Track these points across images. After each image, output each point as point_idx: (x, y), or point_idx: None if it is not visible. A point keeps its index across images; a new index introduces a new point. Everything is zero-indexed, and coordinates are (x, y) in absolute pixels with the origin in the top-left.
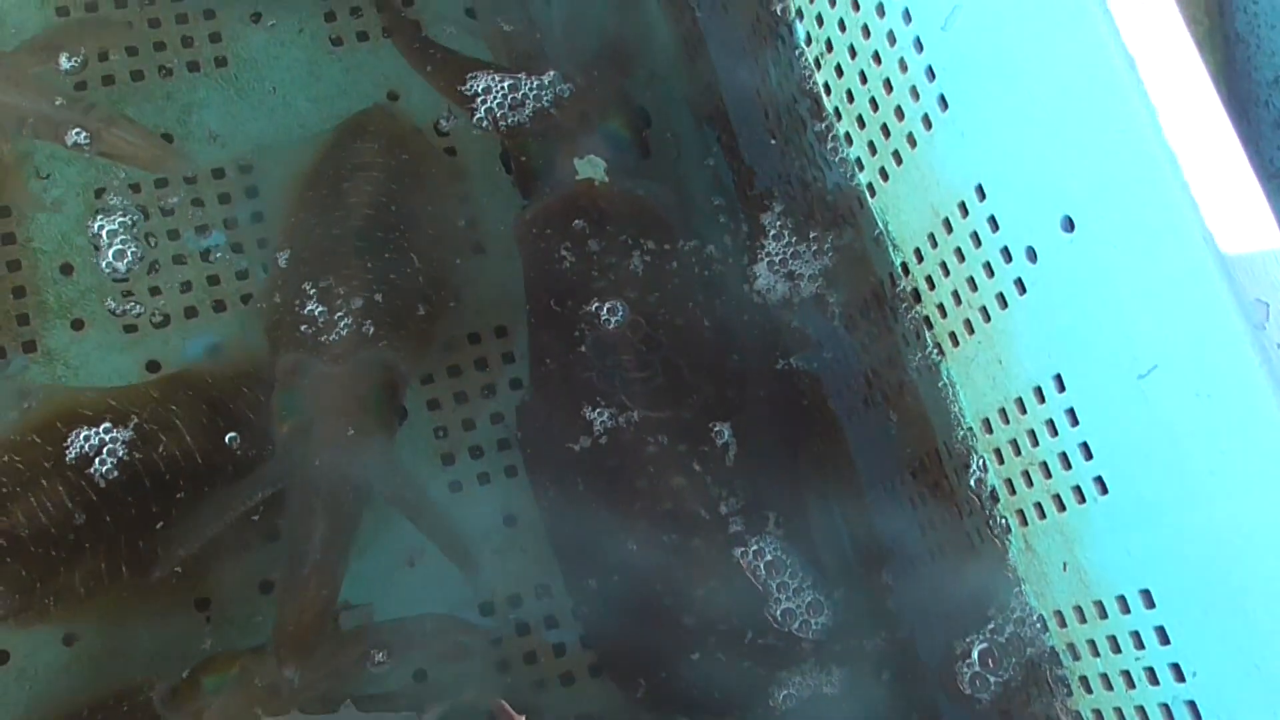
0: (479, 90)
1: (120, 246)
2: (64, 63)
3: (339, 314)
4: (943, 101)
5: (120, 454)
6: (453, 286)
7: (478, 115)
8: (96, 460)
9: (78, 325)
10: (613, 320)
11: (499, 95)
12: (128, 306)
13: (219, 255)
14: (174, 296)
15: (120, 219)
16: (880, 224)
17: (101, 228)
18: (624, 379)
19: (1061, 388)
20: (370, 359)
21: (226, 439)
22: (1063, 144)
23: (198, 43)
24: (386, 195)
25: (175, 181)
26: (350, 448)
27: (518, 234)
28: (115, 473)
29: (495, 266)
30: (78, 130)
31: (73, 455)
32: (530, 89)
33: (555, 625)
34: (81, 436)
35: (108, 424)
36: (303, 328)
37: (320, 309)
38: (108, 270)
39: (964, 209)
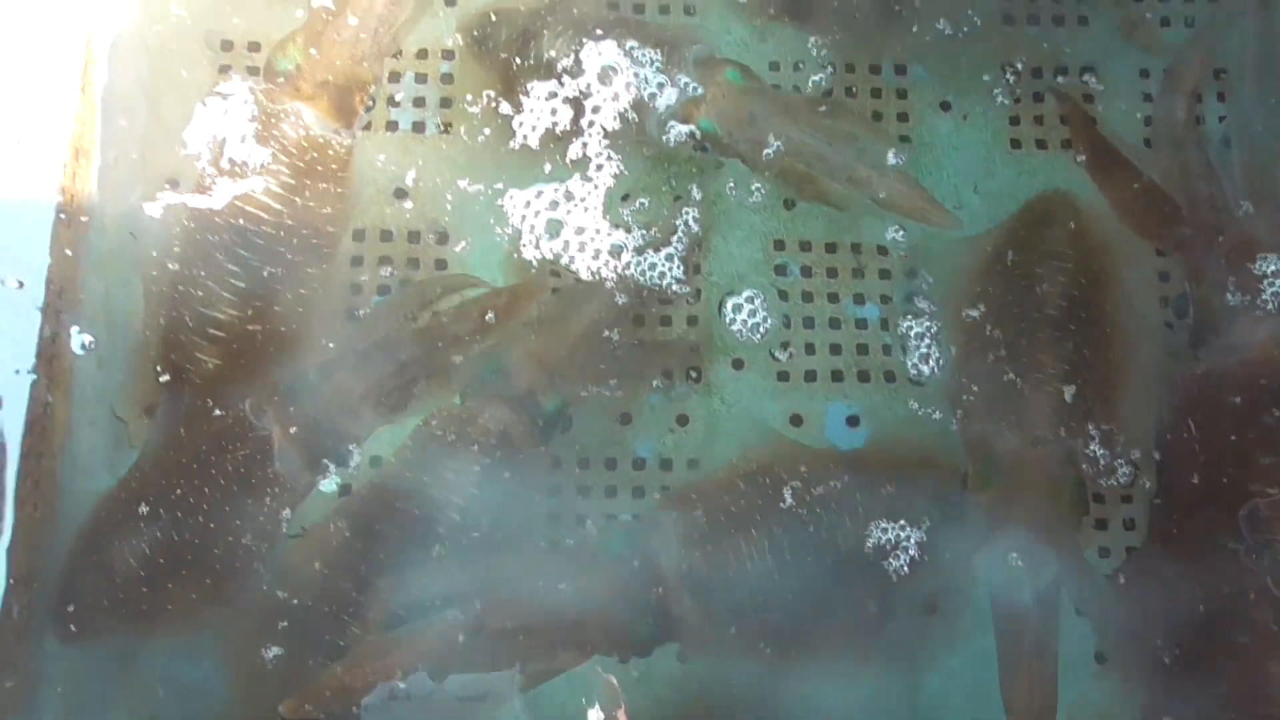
0: (1266, 272)
1: (780, 302)
2: None
3: (1036, 398)
4: None
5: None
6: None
7: (1262, 297)
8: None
9: (738, 365)
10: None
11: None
12: (783, 356)
13: (871, 327)
14: (824, 357)
15: (792, 273)
16: None
17: (772, 280)
18: (1274, 558)
19: None
20: (1065, 449)
21: None
22: None
23: (886, 118)
24: (1078, 288)
25: (843, 248)
26: (1046, 534)
27: (1182, 382)
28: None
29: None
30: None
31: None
32: None
33: None
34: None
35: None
36: (998, 403)
37: (1019, 389)
38: (773, 320)
39: None
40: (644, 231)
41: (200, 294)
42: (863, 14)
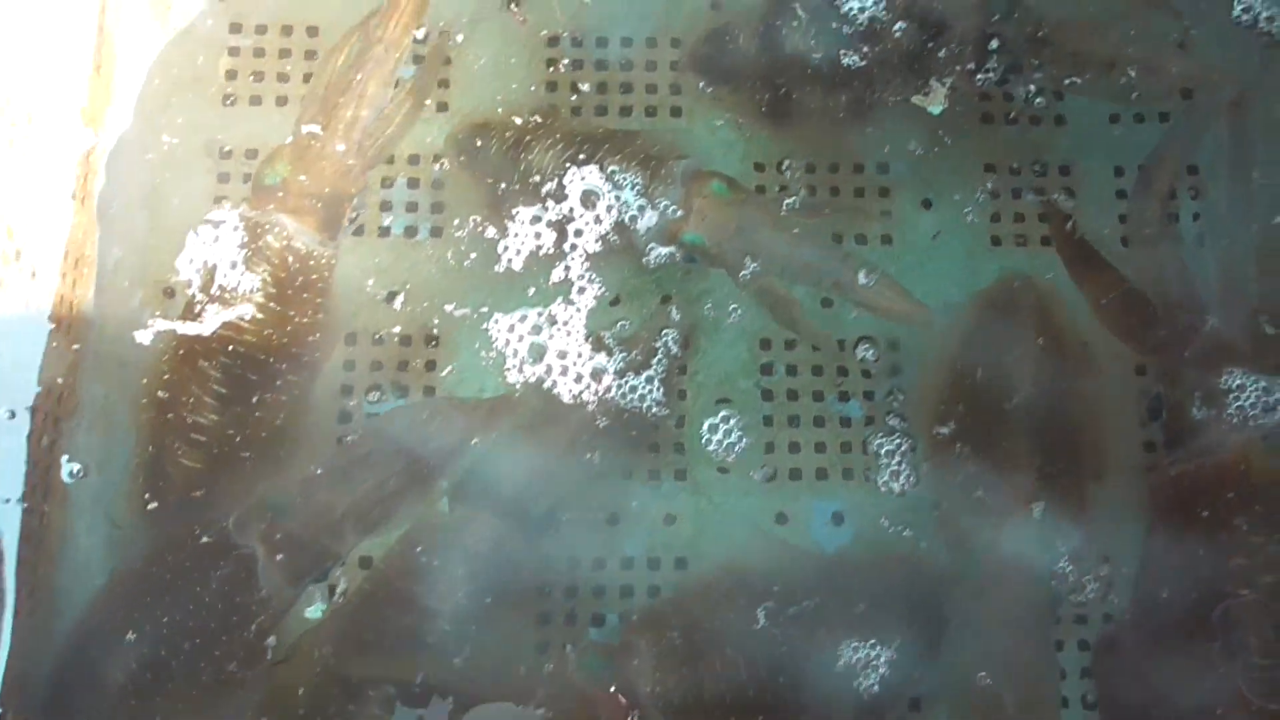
0: (1231, 387)
1: (770, 398)
2: None
3: (1006, 486)
4: None
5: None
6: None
7: (1227, 411)
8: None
9: (724, 469)
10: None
11: (1253, 395)
12: (769, 455)
13: (855, 425)
14: (809, 455)
15: (778, 372)
16: None
17: (757, 381)
18: (1247, 661)
19: None
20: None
21: None
22: None
23: (869, 218)
24: (1048, 379)
25: (829, 345)
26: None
27: (1153, 481)
28: None
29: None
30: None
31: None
32: None
33: None
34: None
35: None
36: (969, 520)
37: (989, 506)
38: (749, 439)
39: None
40: (625, 354)
41: (187, 411)
42: (839, 120)
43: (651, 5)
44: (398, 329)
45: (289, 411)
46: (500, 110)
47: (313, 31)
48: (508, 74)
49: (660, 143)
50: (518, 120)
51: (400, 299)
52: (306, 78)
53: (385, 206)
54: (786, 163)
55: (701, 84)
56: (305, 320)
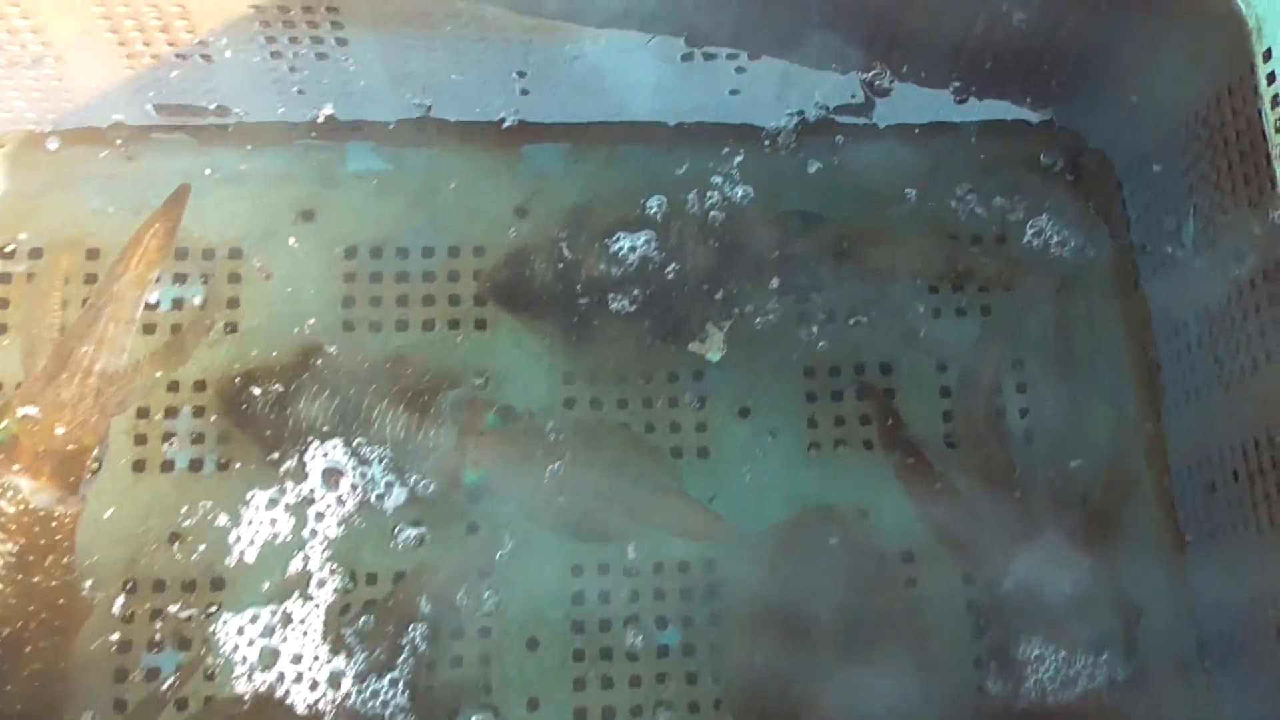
0: (1030, 657)
1: (581, 630)
2: None
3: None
4: None
5: None
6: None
7: (1025, 686)
8: None
9: (533, 705)
10: None
11: (1051, 668)
12: (579, 693)
13: (672, 654)
14: (623, 691)
15: (589, 601)
16: None
17: (567, 612)
18: None
19: None
20: None
21: None
22: None
23: (685, 430)
24: (851, 596)
25: (644, 570)
26: None
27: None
28: None
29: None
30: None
31: None
32: (1085, 665)
33: None
34: None
35: None
36: None
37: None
38: (568, 651)
39: None
40: (367, 654)
41: None
42: (643, 340)
43: (453, 214)
44: (180, 573)
45: (45, 684)
46: (294, 329)
47: (93, 254)
48: (301, 290)
49: (443, 364)
50: (283, 369)
51: (179, 541)
52: (84, 303)
53: (168, 437)
54: (605, 354)
55: (502, 312)
56: (53, 584)
